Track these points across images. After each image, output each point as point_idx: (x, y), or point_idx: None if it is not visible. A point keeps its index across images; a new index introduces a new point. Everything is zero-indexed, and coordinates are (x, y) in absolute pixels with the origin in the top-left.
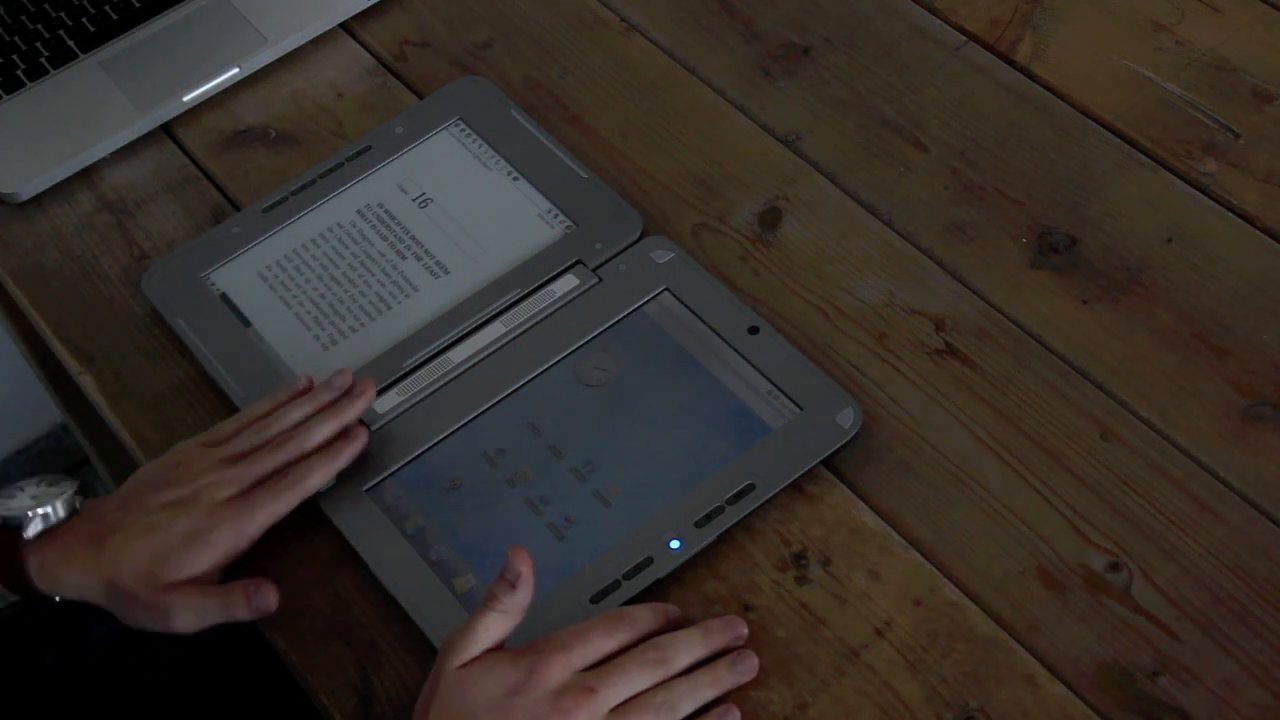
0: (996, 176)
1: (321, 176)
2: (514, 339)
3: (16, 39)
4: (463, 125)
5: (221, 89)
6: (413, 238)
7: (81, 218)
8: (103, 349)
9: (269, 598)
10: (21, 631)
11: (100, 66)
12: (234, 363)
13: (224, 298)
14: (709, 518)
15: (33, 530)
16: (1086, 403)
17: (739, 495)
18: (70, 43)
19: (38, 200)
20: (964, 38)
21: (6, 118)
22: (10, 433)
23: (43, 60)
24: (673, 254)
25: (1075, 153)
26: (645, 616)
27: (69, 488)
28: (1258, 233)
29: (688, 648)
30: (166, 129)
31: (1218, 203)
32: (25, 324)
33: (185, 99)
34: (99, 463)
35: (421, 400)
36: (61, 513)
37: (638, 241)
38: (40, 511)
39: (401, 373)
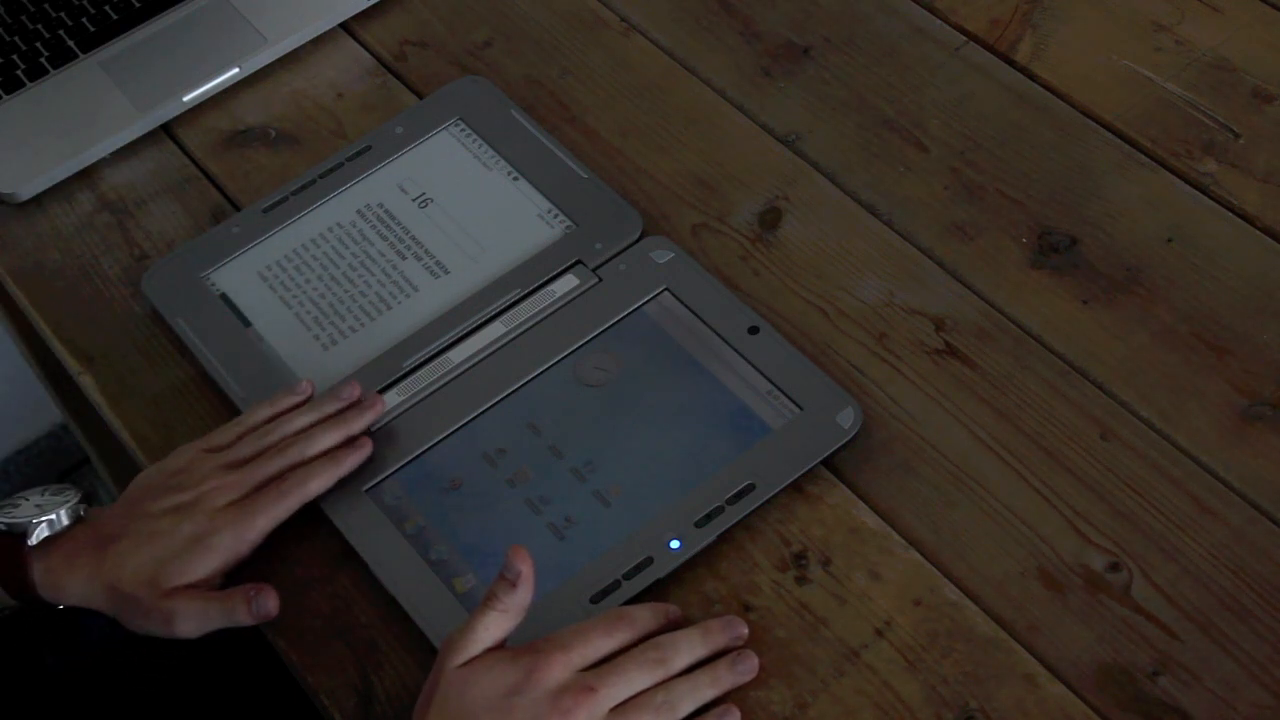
0: (996, 176)
1: (321, 176)
2: (514, 339)
3: (16, 39)
4: (463, 125)
5: (221, 89)
6: (413, 238)
7: (81, 218)
8: (103, 349)
9: (270, 603)
10: (21, 632)
11: (100, 66)
12: (234, 363)
13: (224, 298)
14: (709, 518)
15: (37, 537)
16: (1086, 403)
17: (739, 495)
18: (70, 43)
19: (38, 200)
20: (964, 38)
21: (6, 118)
22: (10, 433)
23: (43, 60)
24: (673, 254)
25: (1075, 153)
26: (645, 616)
27: (73, 496)
28: (1258, 233)
29: (688, 648)
30: (166, 129)
31: (1218, 203)
32: (25, 324)
33: (185, 99)
34: (99, 463)
35: (421, 400)
36: (65, 520)
37: (638, 241)
38: (44, 519)
39: (401, 373)
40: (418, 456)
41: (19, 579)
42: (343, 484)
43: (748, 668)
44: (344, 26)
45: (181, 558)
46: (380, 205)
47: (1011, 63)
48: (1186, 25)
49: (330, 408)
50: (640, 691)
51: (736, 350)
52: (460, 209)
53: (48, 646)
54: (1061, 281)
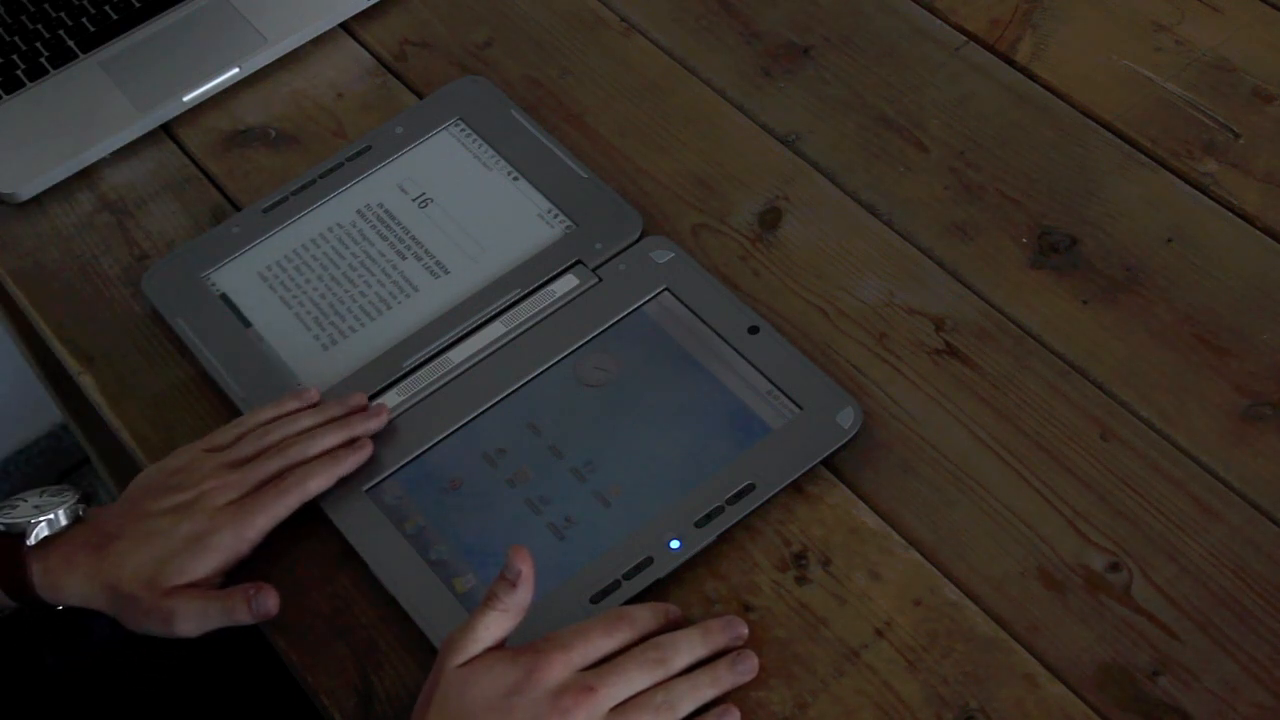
0: (996, 176)
1: (321, 176)
2: (514, 339)
3: (16, 39)
4: (463, 125)
5: (221, 89)
6: (413, 238)
7: (81, 218)
8: (103, 349)
9: (270, 601)
10: (21, 632)
11: (100, 66)
12: (234, 363)
13: (224, 298)
14: (709, 518)
15: (35, 538)
16: (1086, 403)
17: (739, 495)
18: (70, 43)
19: (38, 200)
20: (964, 38)
21: (6, 118)
22: (10, 433)
23: (43, 60)
24: (673, 254)
25: (1075, 153)
26: (645, 616)
27: (71, 496)
28: (1258, 233)
29: (688, 648)
30: (166, 129)
31: (1218, 203)
32: (25, 324)
33: (185, 99)
34: (99, 463)
35: (421, 400)
36: (64, 520)
37: (638, 241)
38: (43, 519)
39: (401, 373)
40: (418, 456)
41: (18, 580)
42: (343, 484)
43: (748, 668)
44: (344, 26)
45: (181, 557)
46: (380, 205)
47: (1011, 63)
48: (1186, 25)
49: (334, 412)
50: (640, 691)
51: (736, 350)
52: (460, 209)
53: (48, 646)
54: (1061, 281)
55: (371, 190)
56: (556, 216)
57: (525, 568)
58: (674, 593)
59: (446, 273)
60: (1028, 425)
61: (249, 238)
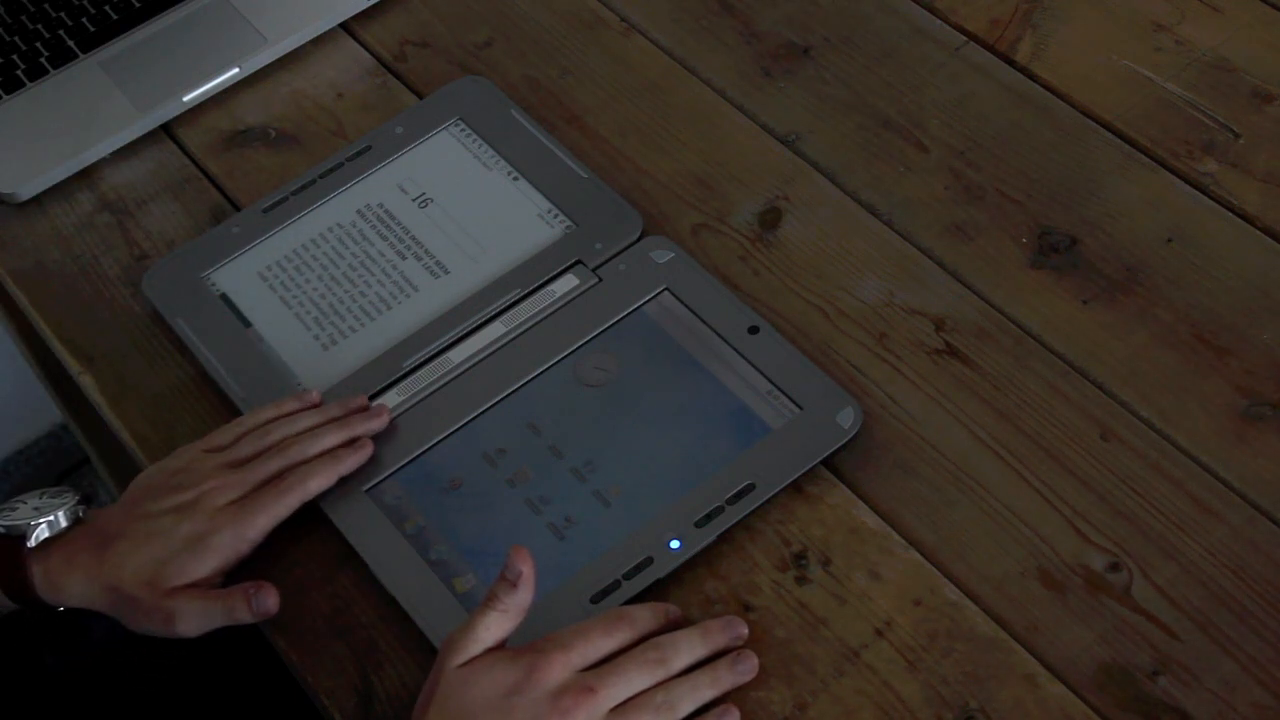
0: (996, 176)
1: (321, 176)
2: (514, 339)
3: (16, 39)
4: (463, 125)
5: (221, 89)
6: (413, 238)
7: (81, 218)
8: (103, 349)
9: (270, 600)
10: (21, 631)
11: (100, 66)
12: (234, 363)
13: (224, 298)
14: (709, 518)
15: (36, 539)
16: (1086, 403)
17: (739, 495)
18: (70, 43)
19: (38, 200)
20: (964, 38)
21: (6, 118)
22: (10, 433)
23: (43, 60)
24: (673, 254)
25: (1075, 153)
26: (645, 616)
27: (71, 498)
28: (1258, 233)
29: (688, 648)
30: (166, 129)
31: (1218, 203)
32: (25, 324)
33: (185, 99)
34: (99, 463)
35: (421, 400)
36: (64, 522)
37: (638, 241)
38: (43, 521)
39: (401, 373)
40: (418, 456)
41: (18, 581)
42: (343, 484)
43: (748, 668)
44: (344, 26)
45: (181, 557)
46: (380, 205)
47: (1011, 63)
48: (1186, 25)
49: (334, 412)
50: (640, 692)
51: (736, 350)
52: (460, 209)
53: (48, 647)
54: (1061, 281)
55: (371, 190)
56: (556, 216)
57: (526, 568)
58: (674, 593)
59: (446, 273)
60: (1028, 425)
61: (249, 238)
